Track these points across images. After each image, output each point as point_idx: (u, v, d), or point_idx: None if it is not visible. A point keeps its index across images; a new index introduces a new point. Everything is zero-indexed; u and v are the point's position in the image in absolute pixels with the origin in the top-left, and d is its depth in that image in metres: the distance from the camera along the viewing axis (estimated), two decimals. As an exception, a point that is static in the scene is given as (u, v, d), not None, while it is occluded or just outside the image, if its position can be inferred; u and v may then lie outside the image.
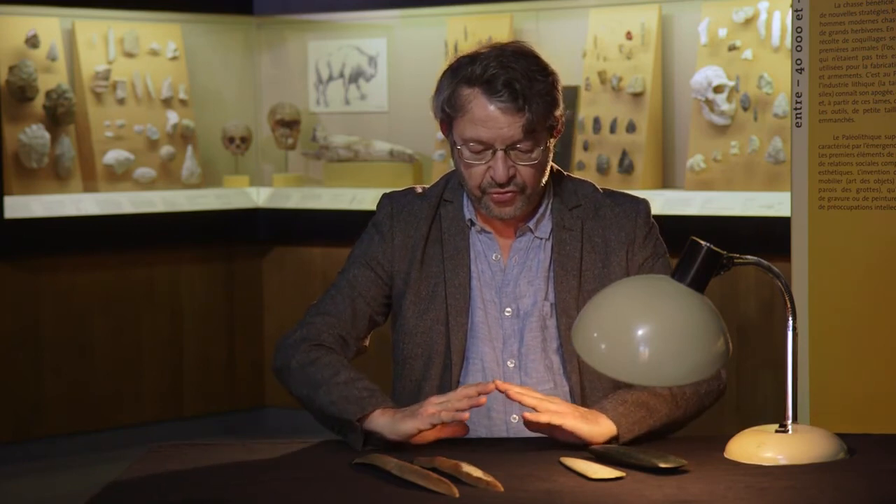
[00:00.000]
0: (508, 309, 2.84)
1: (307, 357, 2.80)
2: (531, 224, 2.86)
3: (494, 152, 2.73)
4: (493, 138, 2.72)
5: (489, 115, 2.72)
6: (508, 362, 2.83)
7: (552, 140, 2.79)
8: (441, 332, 2.83)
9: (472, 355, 2.83)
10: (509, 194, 2.76)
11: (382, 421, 2.65)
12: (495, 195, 2.77)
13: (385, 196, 2.94)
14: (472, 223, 2.88)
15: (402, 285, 2.88)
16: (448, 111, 2.78)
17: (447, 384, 2.82)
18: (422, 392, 2.83)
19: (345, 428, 2.69)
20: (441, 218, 2.89)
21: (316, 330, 2.84)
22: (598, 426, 2.61)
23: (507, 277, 2.85)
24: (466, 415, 2.59)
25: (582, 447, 2.58)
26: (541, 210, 2.86)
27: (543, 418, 2.59)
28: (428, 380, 2.84)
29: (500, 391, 2.64)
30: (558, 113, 2.77)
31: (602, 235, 2.86)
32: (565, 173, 2.92)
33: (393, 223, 2.89)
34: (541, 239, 2.86)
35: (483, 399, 2.61)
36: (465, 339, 2.83)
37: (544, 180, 2.81)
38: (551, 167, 2.84)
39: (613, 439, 2.63)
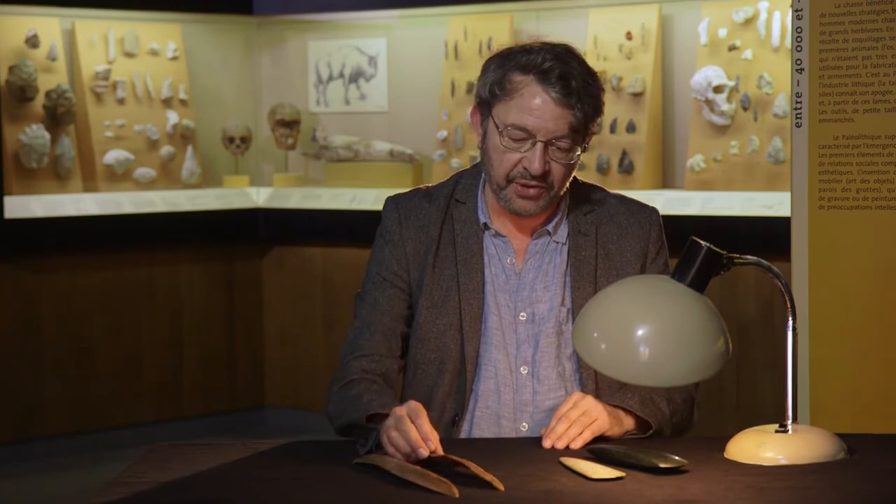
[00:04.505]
0: (523, 314, 2.81)
1: (340, 395, 2.76)
2: (550, 227, 2.82)
3: (534, 143, 2.69)
4: (537, 128, 2.69)
5: (540, 104, 2.68)
6: (521, 369, 2.80)
7: (584, 148, 2.77)
8: (455, 338, 2.79)
9: (484, 362, 2.79)
10: (535, 189, 2.72)
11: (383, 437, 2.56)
12: (521, 187, 2.71)
13: (390, 201, 2.88)
14: (487, 227, 2.83)
15: (417, 290, 2.83)
16: (497, 92, 2.71)
17: (460, 390, 2.79)
18: (433, 397, 2.79)
19: (360, 435, 2.63)
20: (453, 219, 2.84)
21: (351, 371, 2.78)
22: (620, 426, 2.67)
23: (523, 282, 2.82)
24: (424, 453, 2.43)
25: (581, 449, 2.59)
26: (559, 214, 2.83)
27: (587, 436, 2.59)
28: (440, 385, 2.80)
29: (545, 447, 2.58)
30: (599, 120, 2.75)
31: (616, 243, 2.84)
32: (577, 177, 2.87)
33: (402, 230, 2.83)
34: (557, 243, 2.82)
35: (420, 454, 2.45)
36: (479, 346, 2.80)
37: (567, 184, 2.78)
38: None
39: (643, 426, 2.67)
